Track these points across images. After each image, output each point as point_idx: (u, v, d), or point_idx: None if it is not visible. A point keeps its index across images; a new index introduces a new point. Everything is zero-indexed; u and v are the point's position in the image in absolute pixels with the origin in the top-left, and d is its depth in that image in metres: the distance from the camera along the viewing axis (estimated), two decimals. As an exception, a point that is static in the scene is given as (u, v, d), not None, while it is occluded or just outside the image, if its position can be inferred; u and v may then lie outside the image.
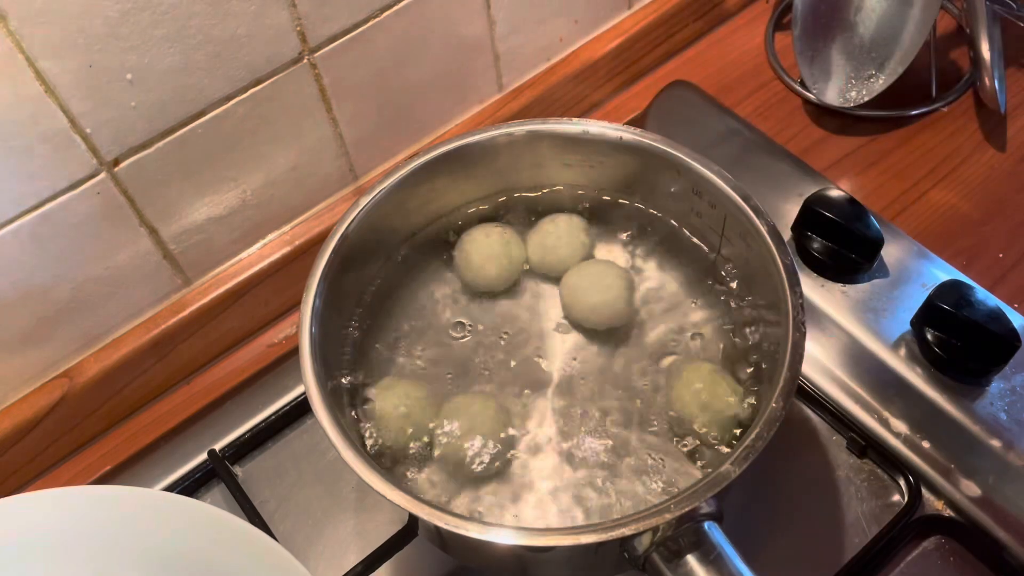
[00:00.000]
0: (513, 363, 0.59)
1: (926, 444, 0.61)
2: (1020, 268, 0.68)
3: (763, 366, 0.56)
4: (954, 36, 0.82)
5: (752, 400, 0.54)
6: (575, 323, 0.60)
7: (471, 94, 0.75)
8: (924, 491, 0.59)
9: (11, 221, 0.55)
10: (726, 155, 0.73)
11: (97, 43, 0.52)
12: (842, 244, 0.65)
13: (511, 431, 0.55)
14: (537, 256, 0.62)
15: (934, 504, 0.59)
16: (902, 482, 0.60)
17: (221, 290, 0.68)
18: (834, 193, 0.66)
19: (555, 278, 0.62)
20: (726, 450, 0.54)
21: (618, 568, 0.50)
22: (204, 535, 0.51)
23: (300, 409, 0.66)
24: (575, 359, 0.59)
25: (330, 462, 0.65)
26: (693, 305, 0.60)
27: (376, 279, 0.62)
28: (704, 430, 0.54)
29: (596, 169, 0.63)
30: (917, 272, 0.65)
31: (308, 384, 0.51)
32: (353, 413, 0.56)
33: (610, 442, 0.55)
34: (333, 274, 0.56)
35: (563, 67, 0.78)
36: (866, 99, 0.75)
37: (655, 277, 0.62)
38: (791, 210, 0.68)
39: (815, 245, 0.66)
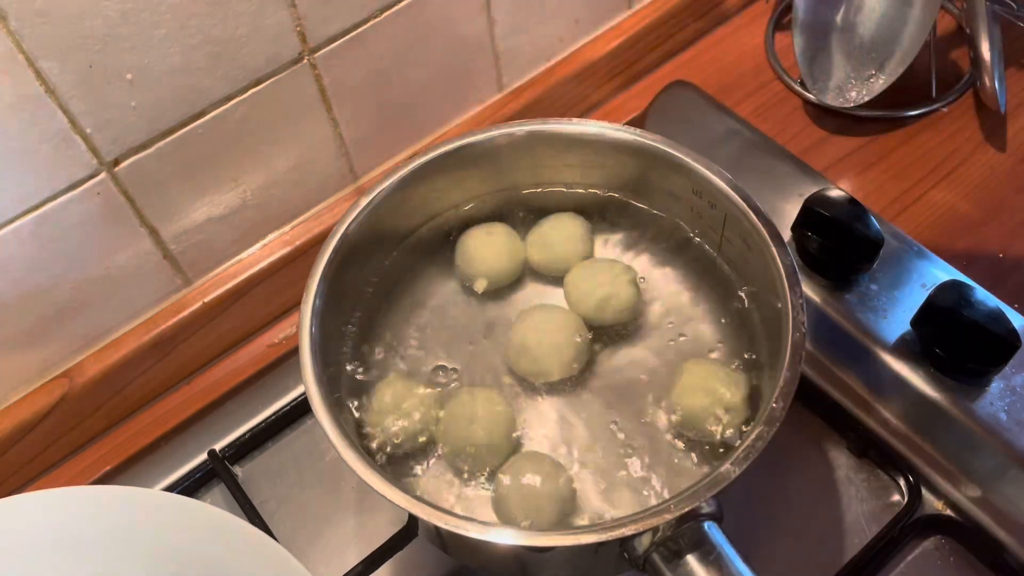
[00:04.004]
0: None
1: (926, 444, 0.61)
2: (1020, 268, 0.68)
3: (763, 366, 0.56)
4: (954, 36, 0.82)
5: (752, 400, 0.54)
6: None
7: (471, 94, 0.75)
8: (924, 491, 0.59)
9: (11, 221, 0.55)
10: (726, 155, 0.73)
11: (97, 43, 0.52)
12: (842, 244, 0.65)
13: (514, 428, 0.55)
14: (537, 255, 0.62)
15: (934, 504, 0.59)
16: (902, 482, 0.60)
17: (221, 290, 0.68)
18: (834, 193, 0.66)
19: (555, 277, 0.62)
20: (726, 450, 0.54)
21: (618, 568, 0.50)
22: (204, 535, 0.51)
23: (300, 409, 0.66)
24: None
25: (330, 462, 0.65)
26: (693, 305, 0.60)
27: (376, 279, 0.62)
28: (704, 429, 0.54)
29: (596, 169, 0.63)
30: (917, 272, 0.65)
31: (308, 384, 0.51)
32: (353, 413, 0.56)
33: (611, 440, 0.55)
34: (333, 274, 0.56)
35: (563, 67, 0.78)
36: (866, 99, 0.75)
37: (655, 277, 0.62)
38: (791, 210, 0.67)
39: (815, 245, 0.66)
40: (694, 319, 0.60)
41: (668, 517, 0.45)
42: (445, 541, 0.52)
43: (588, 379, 0.58)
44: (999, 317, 0.59)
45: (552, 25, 0.76)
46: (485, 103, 0.76)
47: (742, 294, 0.59)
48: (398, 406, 0.55)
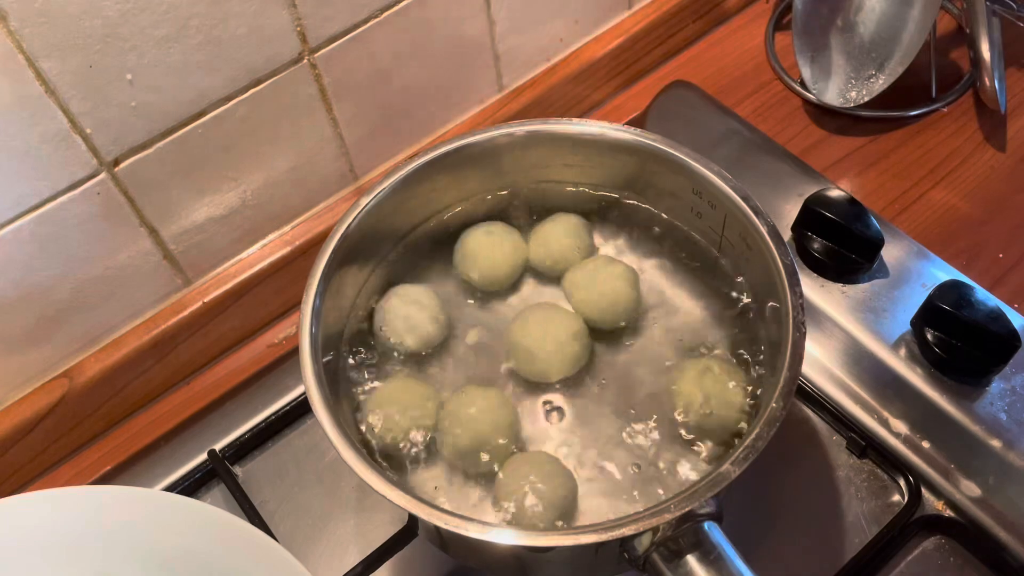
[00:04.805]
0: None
1: (926, 444, 0.61)
2: (1020, 268, 0.68)
3: (763, 366, 0.56)
4: (954, 36, 0.82)
5: (752, 399, 0.54)
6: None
7: (471, 94, 0.75)
8: (924, 491, 0.59)
9: (11, 221, 0.55)
10: (726, 155, 0.73)
11: (97, 43, 0.52)
12: (842, 244, 0.65)
13: (514, 427, 0.55)
14: (538, 255, 0.62)
15: (934, 504, 0.59)
16: (902, 482, 0.60)
17: (221, 290, 0.68)
18: (834, 193, 0.66)
19: (555, 277, 0.62)
20: (727, 450, 0.54)
21: (618, 568, 0.50)
22: (204, 535, 0.51)
23: (300, 409, 0.66)
24: (575, 359, 0.59)
25: (330, 462, 0.65)
26: (693, 305, 0.60)
27: (376, 279, 0.61)
28: (704, 429, 0.54)
29: (596, 169, 0.63)
30: (917, 272, 0.65)
31: (308, 384, 0.51)
32: (353, 413, 0.56)
33: (611, 439, 0.55)
34: (333, 274, 0.56)
35: (563, 67, 0.78)
36: (866, 99, 0.75)
37: (655, 277, 0.62)
38: (791, 210, 0.68)
39: (815, 245, 0.66)
40: (694, 319, 0.60)
41: (668, 517, 0.45)
42: (445, 541, 0.52)
43: (588, 379, 0.58)
44: (999, 317, 0.59)
45: (552, 25, 0.76)
46: (485, 103, 0.76)
47: (742, 294, 0.59)
48: (398, 406, 0.55)
